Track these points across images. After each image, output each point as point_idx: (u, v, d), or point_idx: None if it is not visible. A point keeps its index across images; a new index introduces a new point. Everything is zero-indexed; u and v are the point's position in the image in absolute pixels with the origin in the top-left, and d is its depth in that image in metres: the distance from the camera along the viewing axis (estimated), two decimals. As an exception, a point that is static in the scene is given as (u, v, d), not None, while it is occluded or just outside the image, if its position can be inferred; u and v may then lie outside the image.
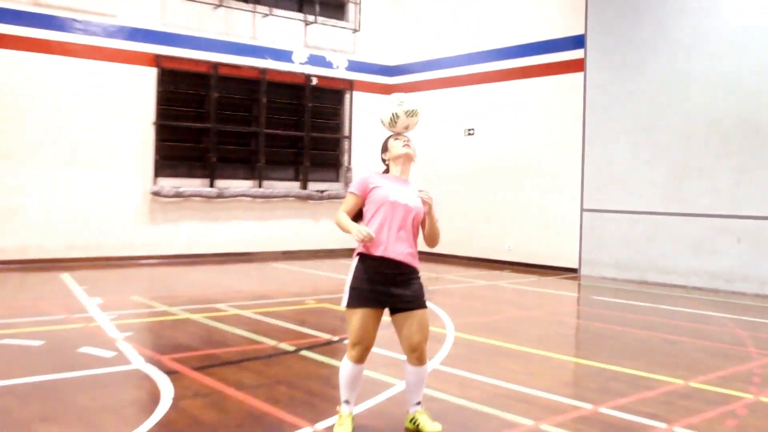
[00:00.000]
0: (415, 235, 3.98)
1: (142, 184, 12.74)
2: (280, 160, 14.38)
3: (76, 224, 12.12)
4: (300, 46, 14.56)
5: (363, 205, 3.98)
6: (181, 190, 12.89)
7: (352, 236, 3.82)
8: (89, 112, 12.26)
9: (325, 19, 14.89)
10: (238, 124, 13.81)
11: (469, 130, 14.18)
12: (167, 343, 6.43)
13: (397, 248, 3.88)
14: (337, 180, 15.21)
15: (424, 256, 14.20)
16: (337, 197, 14.76)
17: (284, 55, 14.35)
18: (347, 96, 15.15)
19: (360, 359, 3.98)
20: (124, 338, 6.51)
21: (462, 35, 14.44)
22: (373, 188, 3.98)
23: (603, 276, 11.85)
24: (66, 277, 10.57)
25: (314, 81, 14.55)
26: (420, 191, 3.98)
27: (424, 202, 3.96)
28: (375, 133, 15.27)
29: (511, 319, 8.06)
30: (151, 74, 12.78)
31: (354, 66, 15.28)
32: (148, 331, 7.04)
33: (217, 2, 13.50)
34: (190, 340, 6.55)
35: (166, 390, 4.94)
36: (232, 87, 13.74)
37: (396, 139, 4.06)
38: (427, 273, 12.08)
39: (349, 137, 15.14)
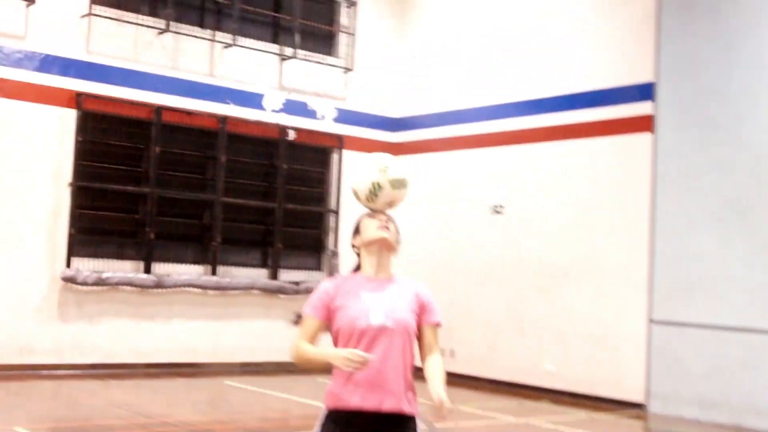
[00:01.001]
0: (407, 364, 3.83)
1: (51, 267, 12.49)
2: (243, 239, 14.39)
3: None
4: (273, 87, 14.57)
5: (328, 329, 3.88)
6: (104, 276, 12.70)
7: (337, 367, 3.67)
8: None
9: (307, 53, 14.91)
10: (186, 189, 13.77)
11: (497, 207, 14.00)
12: None
13: (377, 395, 3.76)
14: (318, 268, 15.09)
15: (421, 374, 14.60)
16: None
17: (252, 100, 14.31)
18: (335, 156, 15.15)
19: None
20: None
21: (489, 80, 14.35)
22: (337, 308, 3.84)
23: (680, 416, 11.44)
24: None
25: (292, 135, 14.57)
26: (428, 322, 3.89)
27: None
28: None
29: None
30: (68, 118, 12.64)
31: (345, 116, 15.27)
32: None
33: (162, 26, 13.43)
34: None
35: None
36: (180, 139, 13.70)
37: (371, 217, 3.99)
38: (431, 401, 11.60)
39: (337, 212, 15.08)
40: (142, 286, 13.03)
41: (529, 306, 13.38)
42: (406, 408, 3.82)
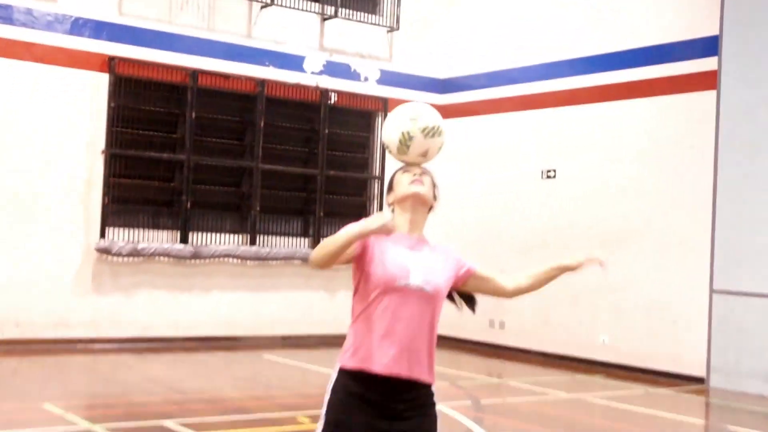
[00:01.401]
0: (435, 332, 3.76)
1: (85, 237, 12.46)
2: (283, 207, 14.26)
3: None
4: (314, 49, 14.42)
5: (355, 261, 3.72)
6: (140, 246, 12.65)
7: (365, 232, 3.53)
8: (10, 135, 11.99)
9: (350, 12, 14.72)
10: (224, 156, 13.67)
11: (549, 171, 13.84)
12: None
13: (407, 360, 3.65)
14: None
15: (474, 347, 14.97)
16: None
17: (292, 61, 14.14)
18: (379, 120, 14.89)
19: None
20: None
21: (540, 37, 14.12)
22: (374, 255, 3.67)
23: (744, 391, 11.28)
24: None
25: (333, 98, 14.43)
26: (475, 269, 3.96)
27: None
28: None
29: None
30: (101, 83, 12.56)
31: (389, 78, 15.09)
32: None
33: None
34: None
35: None
36: (217, 104, 13.59)
37: (405, 171, 3.85)
38: (478, 375, 11.54)
39: (381, 178, 14.91)
40: (179, 257, 12.99)
41: (583, 275, 12.82)
42: (429, 378, 3.73)
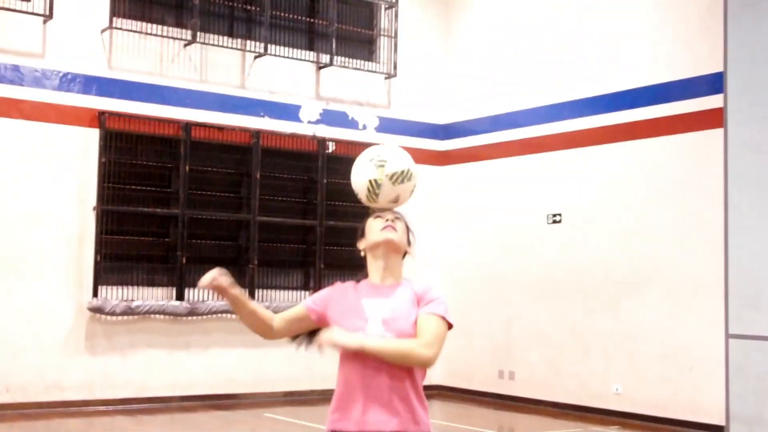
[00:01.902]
0: (414, 378, 3.65)
1: (77, 297, 12.23)
2: (282, 260, 14.00)
3: None
4: (310, 97, 14.26)
5: (310, 324, 3.80)
6: (134, 305, 12.40)
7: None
8: None
9: (345, 60, 14.54)
10: (219, 209, 13.45)
11: (555, 215, 13.61)
12: None
13: (384, 414, 3.58)
14: None
15: (483, 398, 14.52)
16: None
17: (287, 111, 13.99)
18: None
19: None
20: None
21: (540, 80, 13.97)
22: (333, 317, 3.72)
23: None
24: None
25: (331, 147, 14.24)
26: (422, 311, 3.65)
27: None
28: (423, 219, 14.68)
29: None
30: (91, 138, 12.37)
31: (388, 125, 14.93)
32: None
33: (188, 37, 13.11)
34: None
35: None
36: (212, 156, 13.39)
37: (377, 217, 3.83)
38: (488, 430, 11.22)
39: None
40: (175, 314, 12.69)
41: (593, 322, 13.00)
42: (413, 428, 3.63)
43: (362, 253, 3.87)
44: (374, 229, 3.79)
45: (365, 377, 3.60)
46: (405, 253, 3.80)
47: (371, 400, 3.61)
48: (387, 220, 3.77)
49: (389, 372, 3.61)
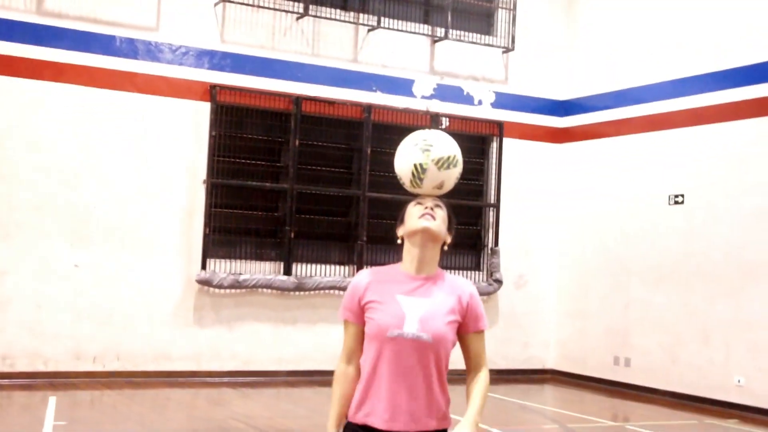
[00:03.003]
0: (442, 378, 3.61)
1: (185, 269, 12.46)
2: (391, 237, 13.33)
3: (84, 326, 11.90)
4: (424, 72, 14.14)
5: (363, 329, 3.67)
6: (242, 278, 12.55)
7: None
8: (109, 166, 12.11)
9: (461, 33, 14.36)
10: (329, 185, 13.50)
11: (677, 196, 13.20)
12: None
13: (409, 414, 3.55)
14: (477, 268, 14.52)
15: (597, 384, 14.17)
16: (480, 293, 13.79)
17: (400, 86, 13.92)
18: (494, 144, 14.61)
19: None
20: None
21: (666, 52, 13.51)
22: (366, 306, 3.61)
23: None
24: (51, 402, 10.22)
25: (445, 123, 14.05)
26: (473, 329, 3.62)
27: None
28: (534, 199, 14.43)
29: None
30: (202, 112, 12.57)
31: (505, 101, 14.70)
32: None
33: (300, 10, 13.13)
34: None
35: None
36: (322, 131, 13.47)
37: (417, 203, 3.67)
38: (601, 419, 10.85)
39: (497, 206, 14.50)
40: (283, 289, 12.79)
41: (715, 309, 12.57)
42: (439, 425, 3.60)
43: (399, 240, 3.78)
44: (413, 216, 3.68)
45: (393, 377, 3.56)
46: (444, 243, 3.70)
47: (398, 398, 3.58)
48: (426, 207, 3.65)
49: (419, 372, 3.59)
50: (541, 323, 14.55)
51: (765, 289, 11.85)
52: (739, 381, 12.07)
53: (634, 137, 13.89)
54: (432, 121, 13.82)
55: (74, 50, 11.89)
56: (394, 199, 13.57)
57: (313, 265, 13.11)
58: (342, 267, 13.40)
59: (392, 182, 13.51)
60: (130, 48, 12.15)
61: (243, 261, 12.72)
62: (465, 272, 14.18)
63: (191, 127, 12.45)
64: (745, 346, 12.09)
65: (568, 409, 11.91)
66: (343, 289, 12.94)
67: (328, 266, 13.24)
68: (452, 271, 13.78)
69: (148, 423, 9.68)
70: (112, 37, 12.06)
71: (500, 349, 13.76)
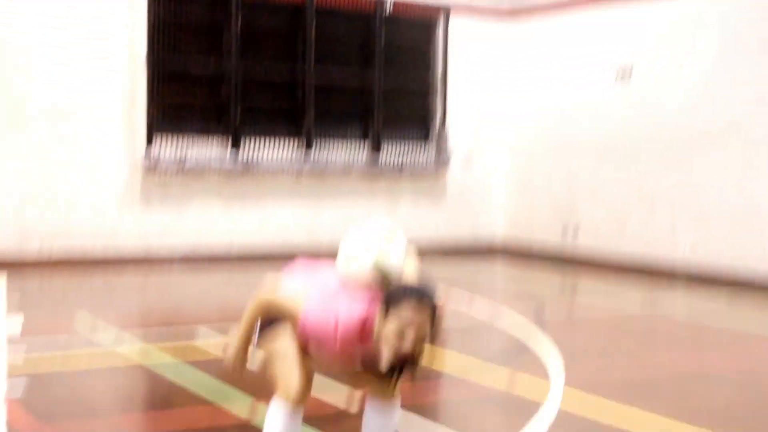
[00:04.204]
0: None
1: (130, 151, 12.36)
2: (340, 113, 13.98)
3: (28, 208, 11.87)
4: None
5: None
6: (188, 159, 12.59)
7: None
8: (45, 43, 11.87)
9: None
10: (273, 62, 13.40)
11: (624, 72, 13.41)
12: (77, 409, 5.77)
13: None
14: (424, 146, 14.64)
15: (547, 260, 14.38)
16: (424, 174, 14.39)
17: None
18: (439, 31, 14.65)
19: None
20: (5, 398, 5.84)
21: None
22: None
23: None
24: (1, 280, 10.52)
25: (389, 8, 13.97)
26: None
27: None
28: (486, 78, 14.38)
29: (676, 377, 7.31)
30: None
31: None
32: (60, 383, 6.39)
33: None
34: (116, 401, 6.13)
35: None
36: (264, 15, 13.33)
37: (399, 319, 3.55)
38: (546, 288, 11.14)
39: (444, 82, 14.59)
40: (229, 171, 12.88)
41: (662, 181, 12.96)
42: None
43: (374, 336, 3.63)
44: (389, 338, 3.54)
45: None
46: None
47: None
48: (406, 329, 3.50)
49: None
50: (489, 200, 14.85)
51: (711, 158, 12.21)
52: (685, 248, 12.52)
53: (578, 13, 14.00)
54: (377, 6, 13.74)
55: None
56: (345, 79, 13.74)
57: (260, 144, 13.14)
58: (289, 146, 13.46)
59: (340, 59, 13.54)
60: None
61: (189, 141, 12.65)
62: (413, 151, 14.45)
63: (127, 2, 12.24)
64: (692, 212, 12.52)
65: (519, 284, 12.21)
66: (290, 170, 13.19)
67: (274, 146, 13.29)
68: (401, 147, 14.10)
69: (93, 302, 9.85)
70: None
71: (449, 226, 14.06)
